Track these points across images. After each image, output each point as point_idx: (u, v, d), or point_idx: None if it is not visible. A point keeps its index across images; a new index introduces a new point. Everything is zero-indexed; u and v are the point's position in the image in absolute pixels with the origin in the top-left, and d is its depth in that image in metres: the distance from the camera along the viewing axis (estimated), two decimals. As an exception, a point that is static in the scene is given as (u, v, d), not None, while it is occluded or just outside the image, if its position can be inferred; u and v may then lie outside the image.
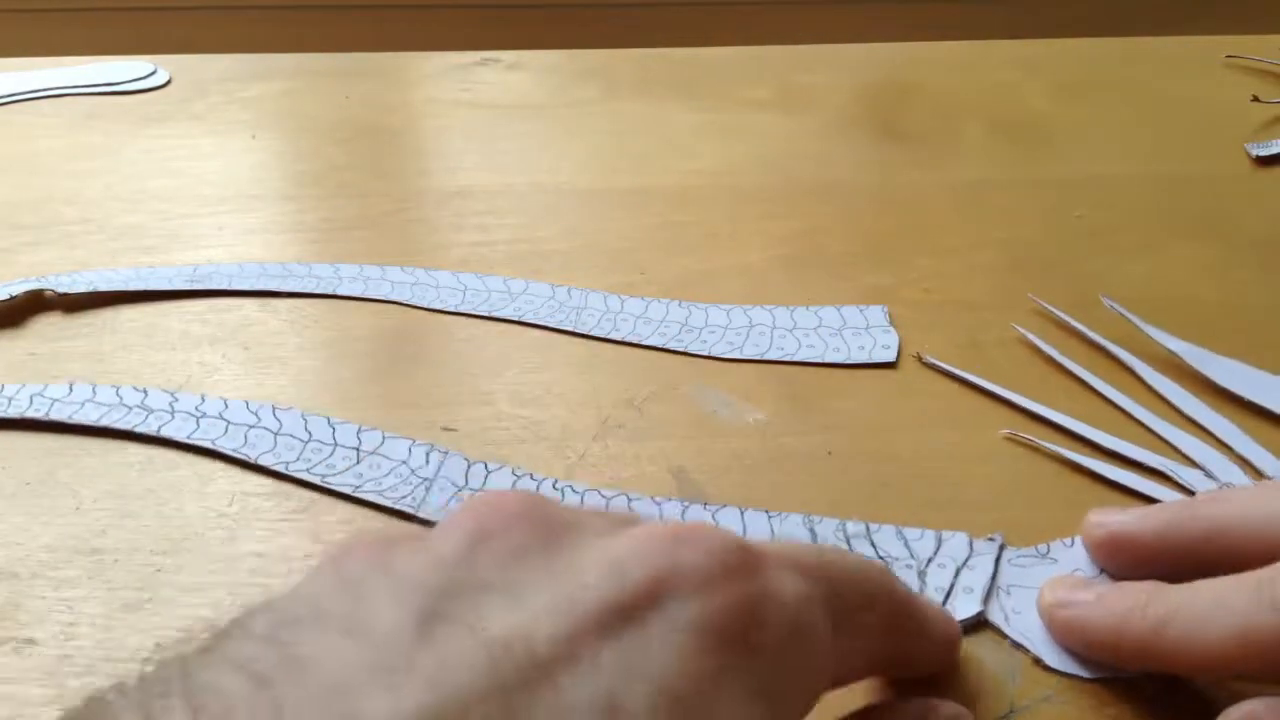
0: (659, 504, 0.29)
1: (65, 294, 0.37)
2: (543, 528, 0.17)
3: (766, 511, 0.28)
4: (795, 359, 0.34)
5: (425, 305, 0.37)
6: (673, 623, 0.15)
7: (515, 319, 0.37)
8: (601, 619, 0.15)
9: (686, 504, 0.29)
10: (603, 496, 0.29)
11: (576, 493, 0.29)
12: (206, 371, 0.34)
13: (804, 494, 0.29)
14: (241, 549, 0.28)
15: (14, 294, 0.37)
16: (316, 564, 0.17)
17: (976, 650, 0.25)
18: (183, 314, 0.37)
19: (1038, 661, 0.25)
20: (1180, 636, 0.22)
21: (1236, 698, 0.23)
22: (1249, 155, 0.47)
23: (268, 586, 0.27)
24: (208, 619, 0.18)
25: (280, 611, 0.16)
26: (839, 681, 0.20)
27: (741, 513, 0.28)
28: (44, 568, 0.27)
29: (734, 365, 0.35)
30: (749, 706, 0.15)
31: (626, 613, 0.15)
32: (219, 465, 0.30)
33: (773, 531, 0.28)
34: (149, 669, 0.15)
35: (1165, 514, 0.25)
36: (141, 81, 0.54)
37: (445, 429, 0.32)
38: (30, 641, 0.25)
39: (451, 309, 0.37)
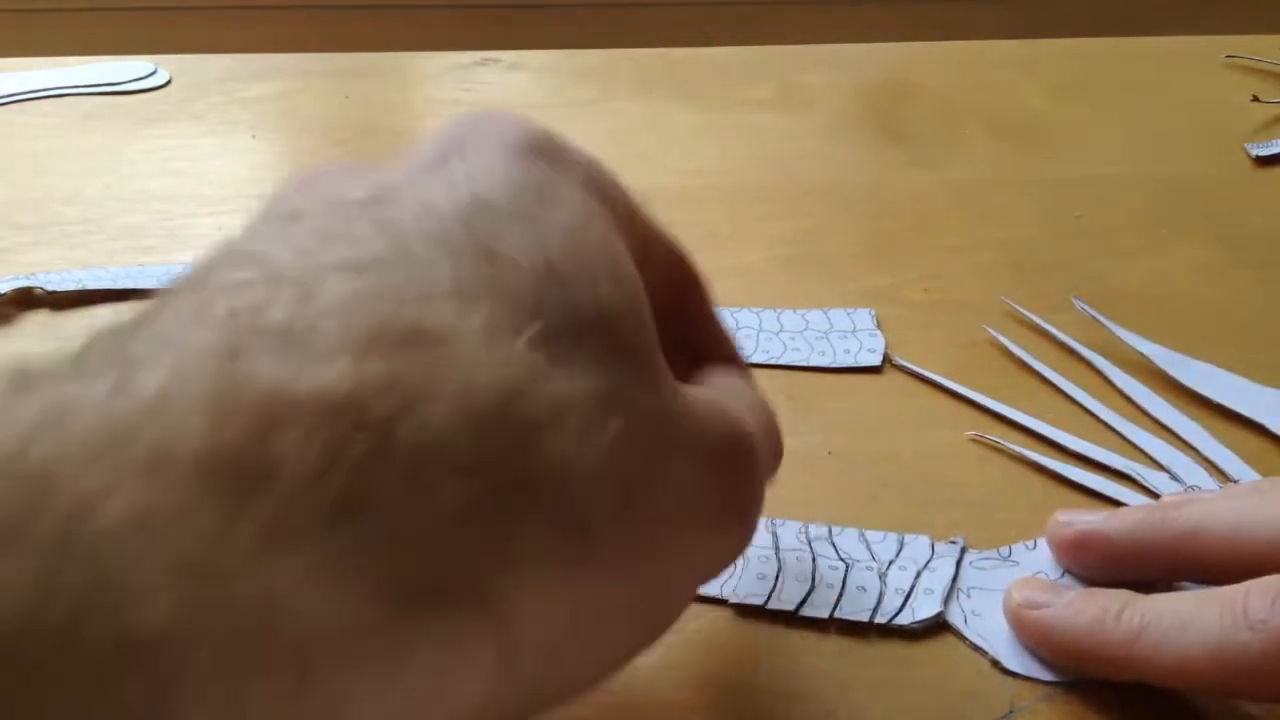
0: None
1: (54, 292, 0.37)
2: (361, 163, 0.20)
3: None
4: (781, 362, 0.34)
5: None
6: (489, 150, 0.18)
7: None
8: (427, 165, 0.19)
9: None
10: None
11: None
12: (206, 371, 0.34)
13: (804, 494, 0.29)
14: (241, 549, 0.28)
15: (3, 291, 0.37)
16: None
17: (974, 651, 0.25)
18: (182, 314, 0.37)
19: (996, 664, 0.25)
20: (1152, 648, 0.22)
21: (1234, 703, 0.23)
22: (1249, 155, 0.47)
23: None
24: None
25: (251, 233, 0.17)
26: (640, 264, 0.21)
27: None
28: (44, 568, 0.27)
29: (734, 365, 0.35)
30: (586, 192, 0.19)
31: (445, 157, 0.19)
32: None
33: None
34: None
35: (1134, 515, 0.25)
36: (141, 81, 0.54)
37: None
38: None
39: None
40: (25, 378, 0.13)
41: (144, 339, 0.14)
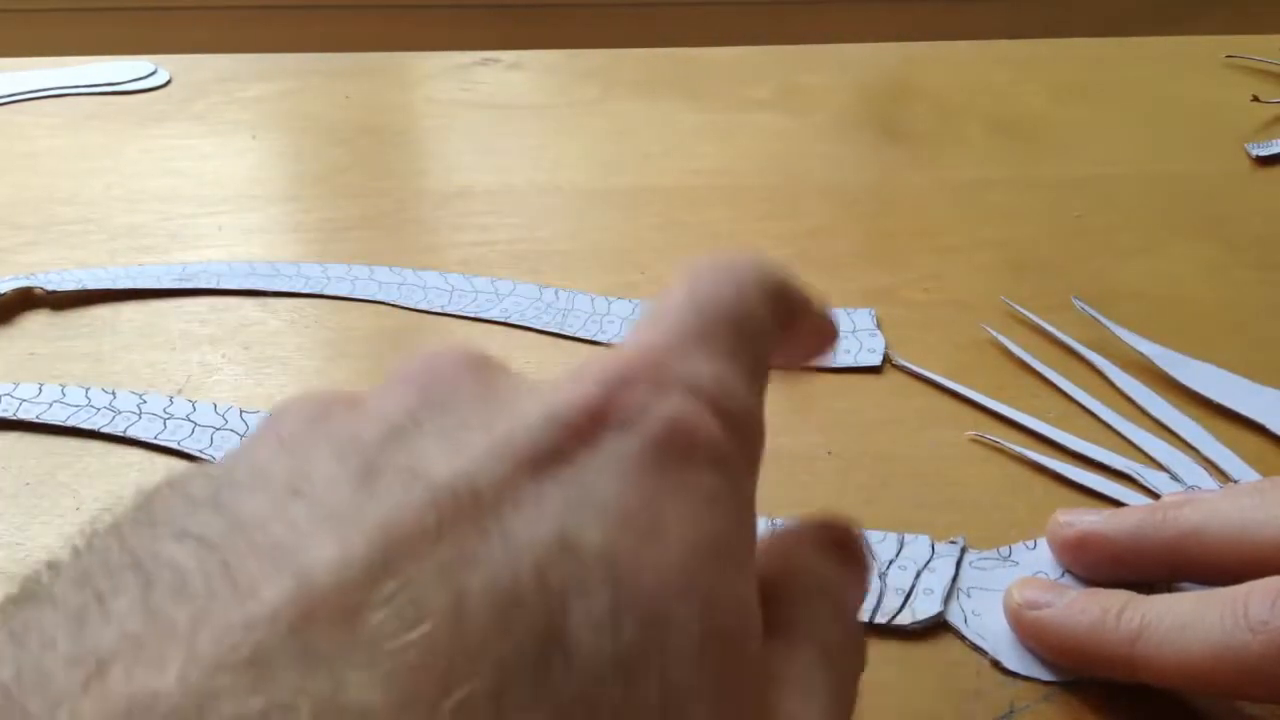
0: None
1: (54, 291, 0.37)
2: (481, 374, 0.17)
3: None
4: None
5: (412, 306, 0.37)
6: (612, 453, 0.15)
7: (501, 320, 0.37)
8: (542, 456, 0.15)
9: None
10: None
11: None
12: (206, 371, 0.34)
13: (804, 494, 0.29)
14: (241, 549, 0.28)
15: (3, 291, 0.37)
16: (255, 429, 0.17)
17: (974, 651, 0.25)
18: (182, 314, 0.37)
19: (996, 664, 0.25)
20: (1153, 648, 0.22)
21: (1235, 703, 0.23)
22: (1249, 155, 0.47)
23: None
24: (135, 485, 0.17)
25: (218, 476, 0.15)
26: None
27: None
28: (44, 568, 0.27)
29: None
30: (714, 520, 0.15)
31: (565, 451, 0.15)
32: (219, 465, 0.30)
33: None
34: (82, 542, 0.14)
35: (1136, 515, 0.25)
36: (141, 81, 0.54)
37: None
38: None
39: (438, 310, 0.37)
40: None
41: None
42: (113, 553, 0.14)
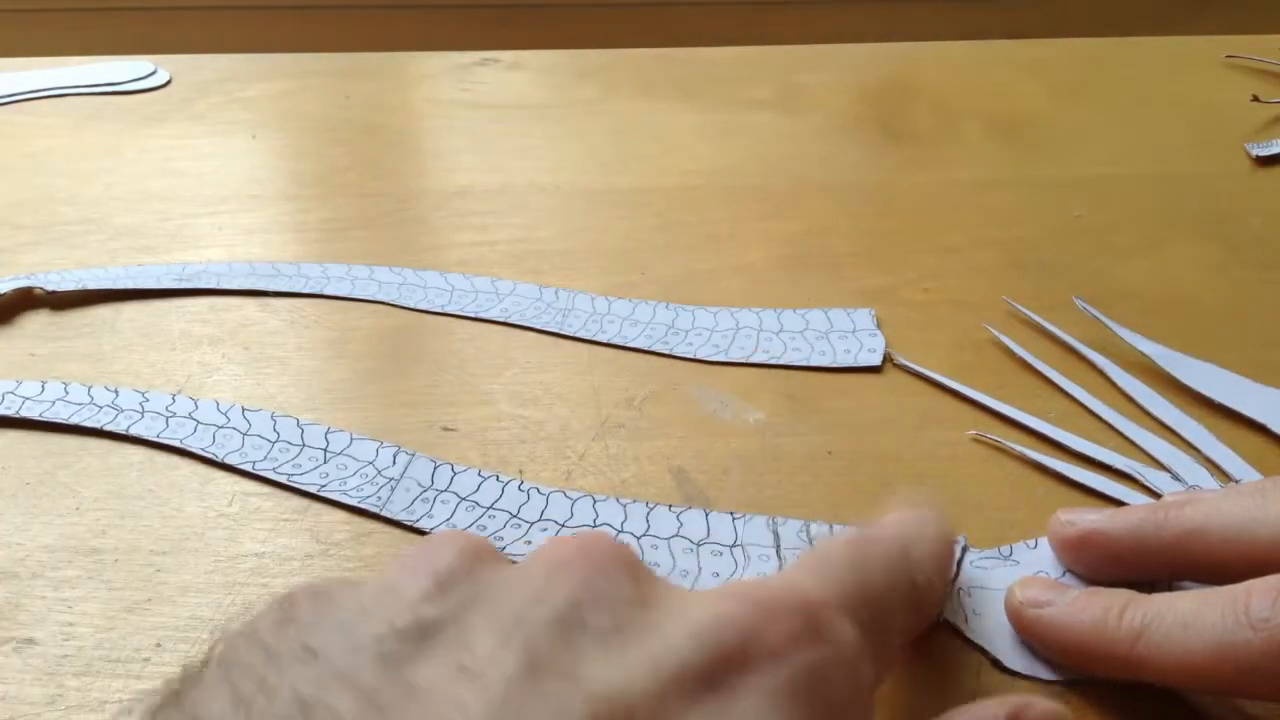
0: (649, 507, 0.29)
1: (54, 291, 0.37)
2: (638, 576, 0.18)
3: (731, 514, 0.28)
4: (781, 362, 0.34)
5: (412, 306, 0.37)
6: (754, 688, 0.16)
7: (501, 320, 0.37)
8: (690, 682, 0.16)
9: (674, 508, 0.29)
10: (594, 501, 0.29)
11: (569, 498, 0.29)
12: (206, 371, 0.34)
13: (804, 494, 0.29)
14: (241, 549, 0.28)
15: (3, 291, 0.37)
16: (406, 558, 0.18)
17: (974, 649, 0.25)
18: (183, 314, 0.37)
19: (996, 663, 0.25)
20: (1154, 647, 0.22)
21: (1236, 702, 0.23)
22: (1249, 155, 0.47)
23: (268, 586, 0.27)
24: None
25: (384, 617, 0.16)
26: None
27: (706, 514, 0.28)
28: (44, 568, 0.27)
29: (733, 366, 0.35)
30: None
31: (712, 678, 0.16)
32: (219, 465, 0.30)
33: (736, 534, 0.28)
34: (226, 651, 0.15)
35: (1137, 515, 0.25)
36: (141, 81, 0.54)
37: (445, 429, 0.32)
38: (30, 641, 0.25)
39: (438, 309, 0.37)
40: None
41: None
42: (278, 675, 0.15)
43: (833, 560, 0.20)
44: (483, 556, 0.18)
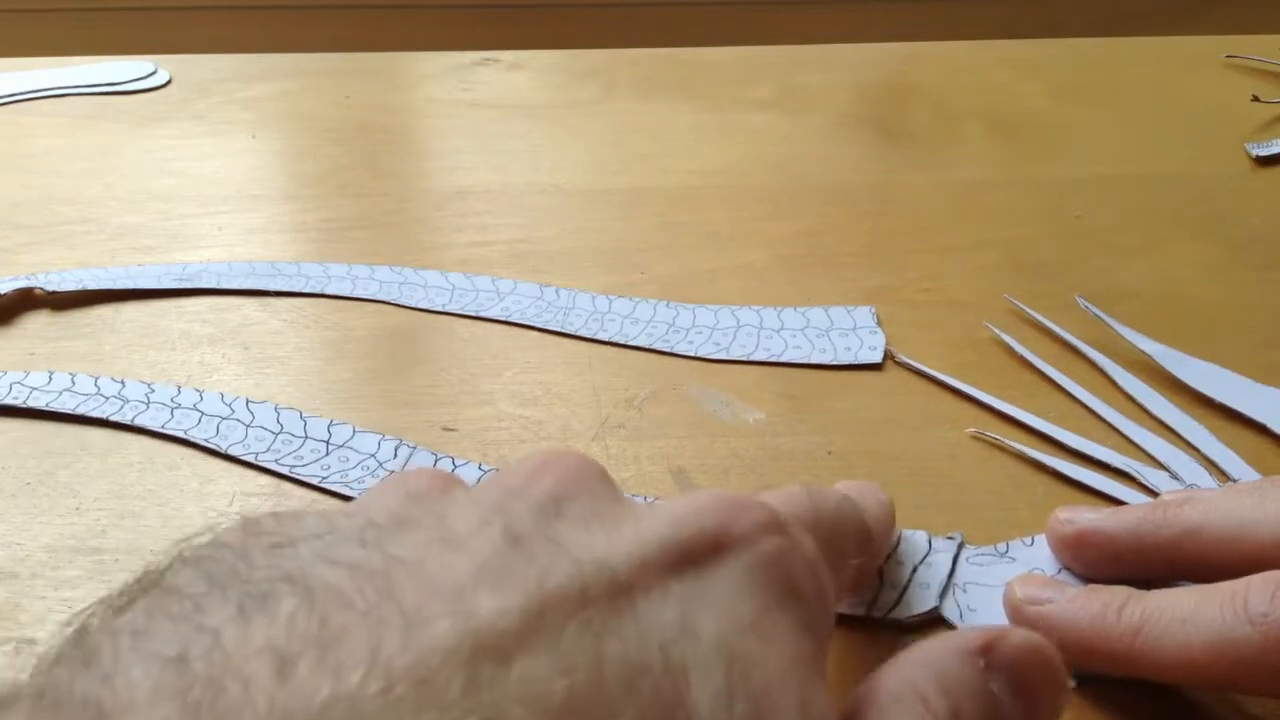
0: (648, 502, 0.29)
1: (54, 292, 0.37)
2: (609, 483, 0.19)
3: None
4: (782, 360, 0.34)
5: (412, 305, 0.37)
6: (731, 568, 0.17)
7: (502, 319, 0.37)
8: (670, 558, 0.17)
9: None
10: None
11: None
12: (206, 371, 0.34)
13: (804, 494, 0.29)
14: (241, 549, 0.28)
15: (3, 291, 0.37)
16: (377, 486, 0.19)
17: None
18: (183, 314, 0.37)
19: None
20: (1153, 643, 0.22)
21: (1235, 698, 0.23)
22: (1249, 155, 0.47)
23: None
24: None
25: (359, 518, 0.17)
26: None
27: None
28: (44, 568, 0.27)
29: (733, 365, 0.35)
30: (801, 638, 0.17)
31: (692, 556, 0.17)
32: (219, 465, 0.30)
33: None
34: (189, 552, 0.15)
35: (1136, 513, 0.25)
36: (141, 81, 0.54)
37: (445, 429, 0.32)
38: (30, 641, 0.25)
39: (439, 309, 0.37)
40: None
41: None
42: (249, 565, 0.15)
43: (790, 490, 0.21)
44: (455, 482, 0.19)
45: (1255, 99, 0.51)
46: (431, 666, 0.13)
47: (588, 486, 0.18)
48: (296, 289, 0.38)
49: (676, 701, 0.15)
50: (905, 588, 0.26)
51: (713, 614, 0.16)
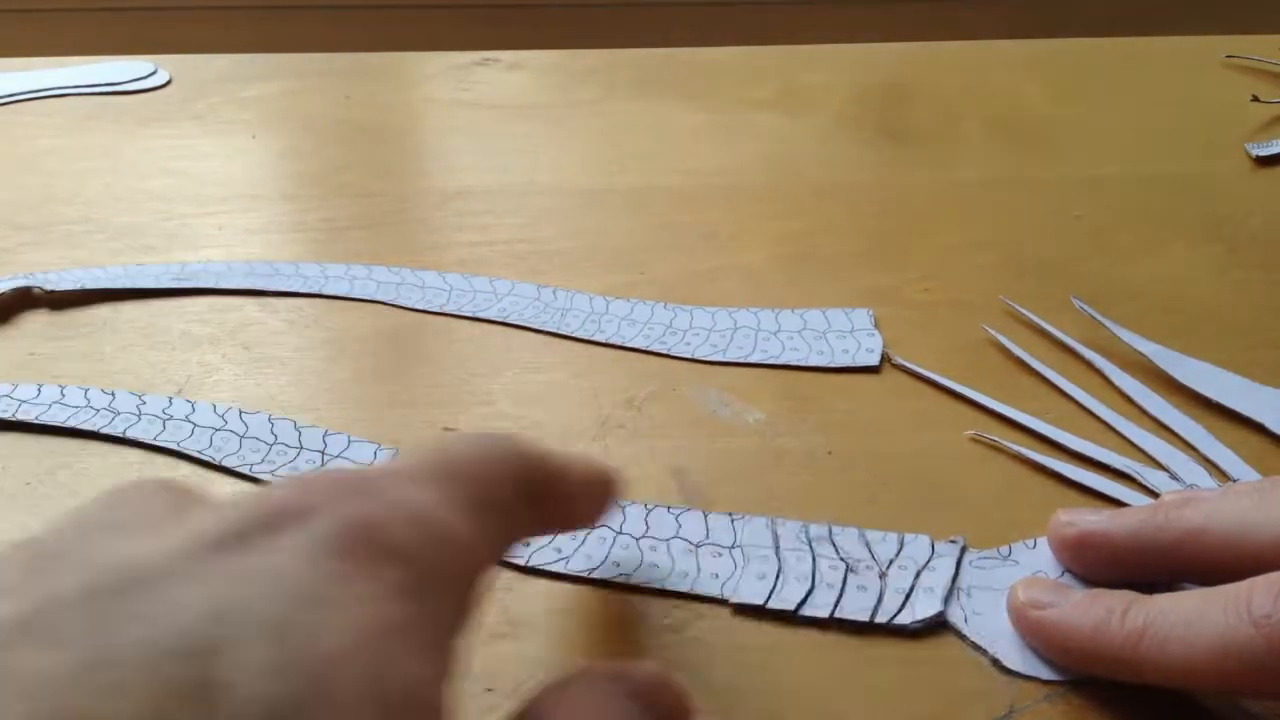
0: (648, 509, 0.29)
1: (53, 291, 0.37)
2: (178, 494, 0.18)
3: (730, 515, 0.28)
4: (780, 362, 0.34)
5: (410, 305, 0.37)
6: (296, 538, 0.16)
7: (500, 320, 0.37)
8: (217, 541, 0.16)
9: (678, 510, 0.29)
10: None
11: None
12: (206, 371, 0.34)
13: (804, 494, 0.29)
14: (241, 549, 0.28)
15: (3, 291, 0.37)
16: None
17: (974, 650, 0.25)
18: (183, 314, 0.37)
19: (996, 664, 0.25)
20: (1156, 646, 0.22)
21: (1237, 701, 0.23)
22: (1249, 155, 0.47)
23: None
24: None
25: None
26: (494, 558, 0.20)
27: (705, 516, 0.28)
28: (44, 568, 0.27)
29: (733, 366, 0.35)
30: (391, 603, 0.16)
31: (245, 536, 0.16)
32: (218, 467, 0.30)
33: (735, 535, 0.28)
34: None
35: (1137, 515, 0.25)
36: (141, 81, 0.54)
37: (445, 429, 0.32)
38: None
39: (436, 309, 0.37)
40: None
41: None
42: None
43: (414, 447, 0.20)
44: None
45: (1255, 99, 0.51)
46: None
47: (149, 503, 0.18)
48: (295, 289, 0.38)
49: (209, 682, 0.14)
50: (910, 593, 0.26)
51: (262, 588, 0.15)
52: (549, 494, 0.22)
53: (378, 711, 0.14)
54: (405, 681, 0.15)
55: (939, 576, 0.26)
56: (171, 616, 0.14)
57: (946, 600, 0.26)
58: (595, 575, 0.27)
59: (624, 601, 0.26)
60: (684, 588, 0.26)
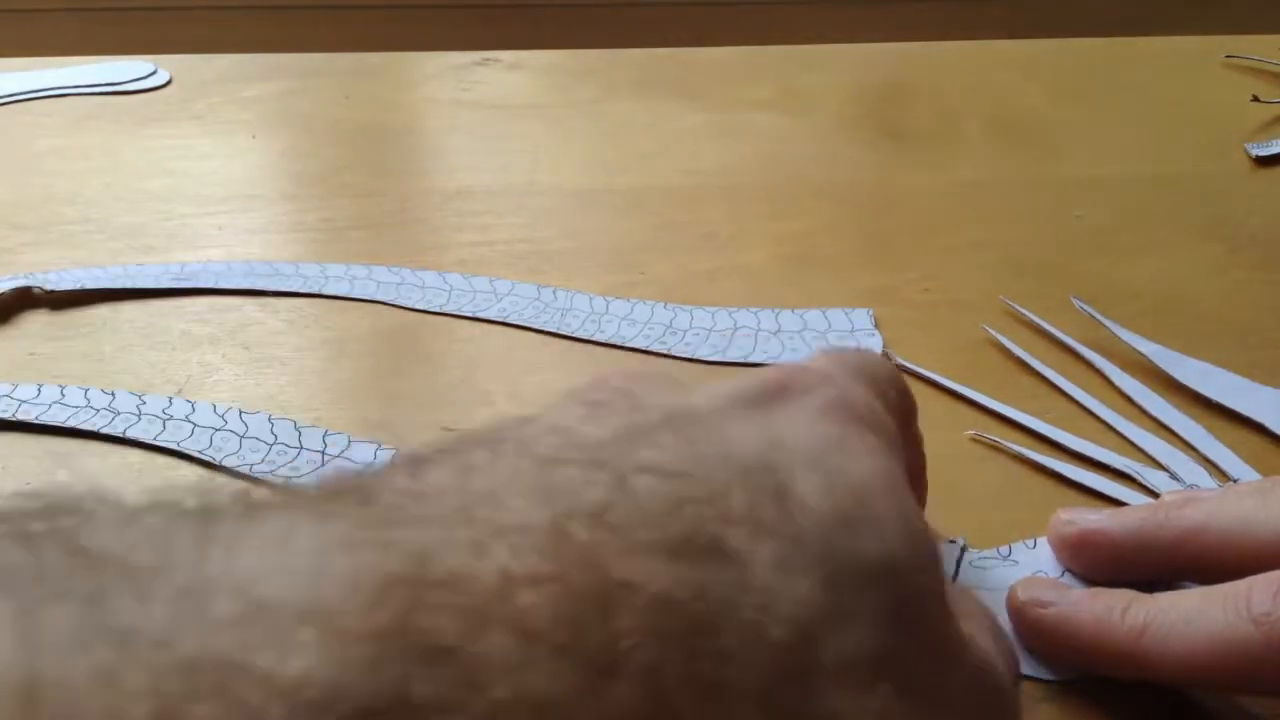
0: None
1: (53, 291, 0.37)
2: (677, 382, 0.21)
3: None
4: (779, 362, 0.34)
5: (410, 305, 0.37)
6: (802, 405, 0.19)
7: (500, 320, 0.37)
8: (744, 401, 0.19)
9: None
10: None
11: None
12: (206, 371, 0.34)
13: (803, 494, 0.29)
14: (241, 549, 0.28)
15: (3, 291, 0.37)
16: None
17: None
18: (183, 314, 0.37)
19: None
20: (1157, 644, 0.22)
21: (1237, 699, 0.23)
22: (1249, 155, 0.47)
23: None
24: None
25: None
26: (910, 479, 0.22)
27: None
28: (44, 568, 0.27)
29: (734, 366, 0.35)
30: (887, 455, 0.19)
31: (760, 402, 0.19)
32: (219, 467, 0.30)
33: None
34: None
35: (1138, 515, 0.26)
36: (141, 81, 0.54)
37: (445, 429, 0.32)
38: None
39: (436, 309, 0.37)
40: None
41: (457, 493, 0.15)
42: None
43: (837, 351, 0.24)
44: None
45: (1255, 99, 0.51)
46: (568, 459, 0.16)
47: (659, 383, 0.21)
48: (295, 289, 0.38)
49: (786, 487, 0.17)
50: None
51: (795, 432, 0.18)
52: (916, 441, 0.26)
53: (905, 532, 0.18)
54: (918, 513, 0.19)
55: None
56: (740, 442, 0.18)
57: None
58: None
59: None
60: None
